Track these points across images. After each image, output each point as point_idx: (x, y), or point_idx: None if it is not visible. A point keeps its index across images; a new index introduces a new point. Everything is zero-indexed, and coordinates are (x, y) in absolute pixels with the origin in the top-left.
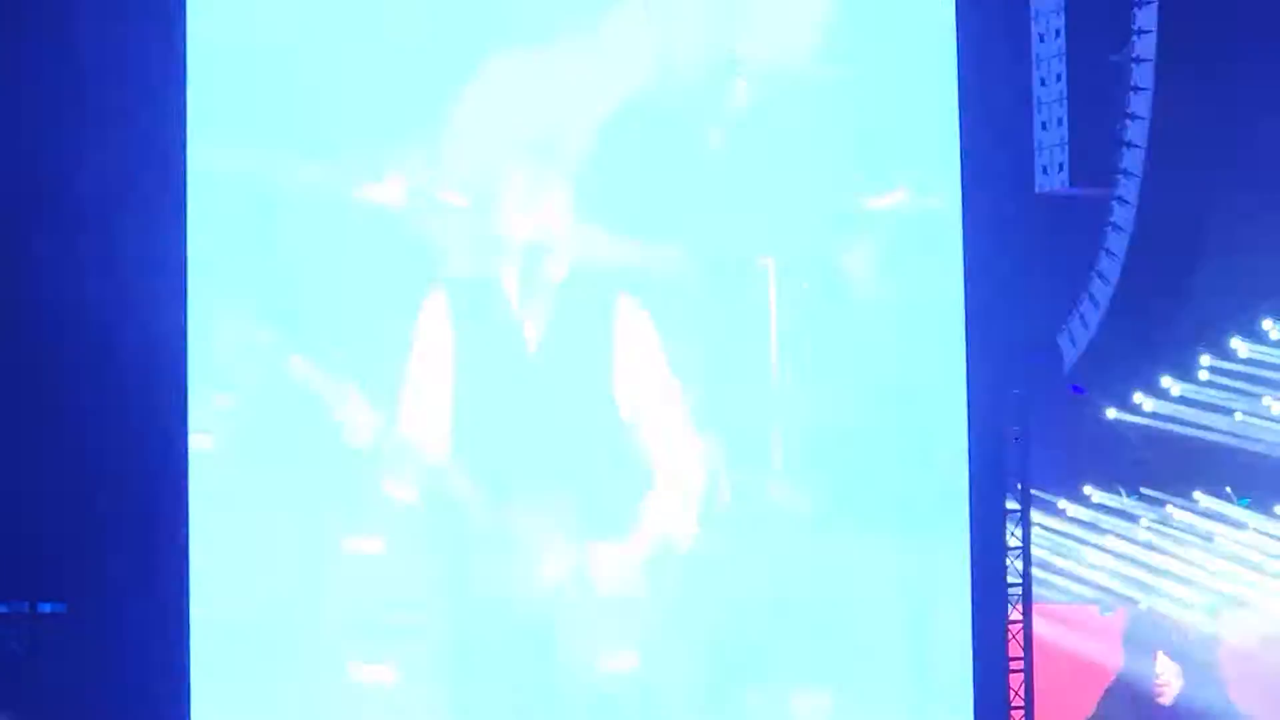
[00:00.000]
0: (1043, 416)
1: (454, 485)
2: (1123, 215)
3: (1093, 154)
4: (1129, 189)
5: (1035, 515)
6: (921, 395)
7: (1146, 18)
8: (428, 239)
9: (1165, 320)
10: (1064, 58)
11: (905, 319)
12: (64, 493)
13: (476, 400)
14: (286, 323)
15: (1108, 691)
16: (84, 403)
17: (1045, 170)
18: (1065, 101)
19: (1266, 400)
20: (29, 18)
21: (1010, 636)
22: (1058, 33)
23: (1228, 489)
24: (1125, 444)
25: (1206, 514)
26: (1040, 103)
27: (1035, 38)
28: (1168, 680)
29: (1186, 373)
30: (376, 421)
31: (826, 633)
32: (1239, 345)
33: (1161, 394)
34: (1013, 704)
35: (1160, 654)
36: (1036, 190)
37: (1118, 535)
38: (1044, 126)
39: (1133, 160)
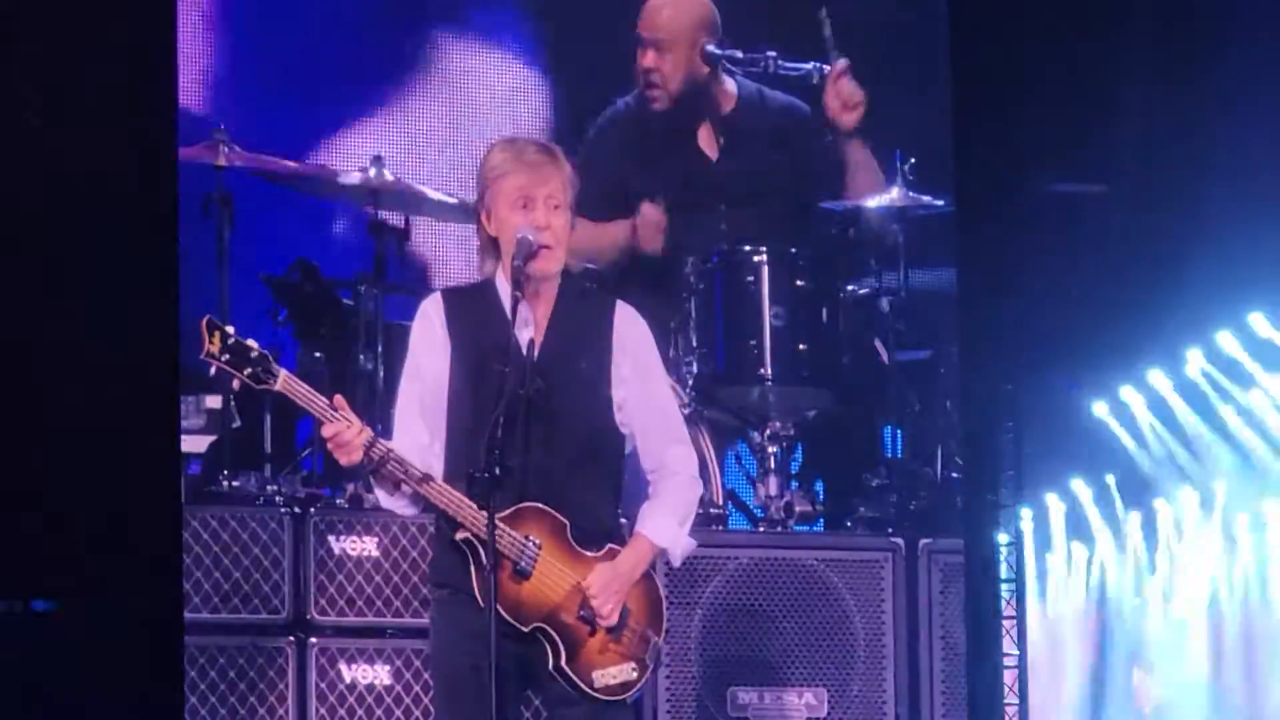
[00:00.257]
0: (1035, 411)
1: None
2: (1117, 208)
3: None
4: (1123, 183)
5: (1027, 510)
6: (913, 386)
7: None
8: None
9: (1154, 315)
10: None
11: (897, 314)
12: (56, 490)
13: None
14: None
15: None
16: (75, 400)
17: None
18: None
19: (1254, 394)
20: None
21: (1004, 633)
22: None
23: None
24: (1115, 438)
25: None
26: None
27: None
28: (1146, 689)
29: (1175, 367)
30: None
31: (818, 629)
32: (1227, 340)
33: (1150, 389)
34: (1006, 700)
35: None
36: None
37: (1106, 530)
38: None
39: (1123, 156)
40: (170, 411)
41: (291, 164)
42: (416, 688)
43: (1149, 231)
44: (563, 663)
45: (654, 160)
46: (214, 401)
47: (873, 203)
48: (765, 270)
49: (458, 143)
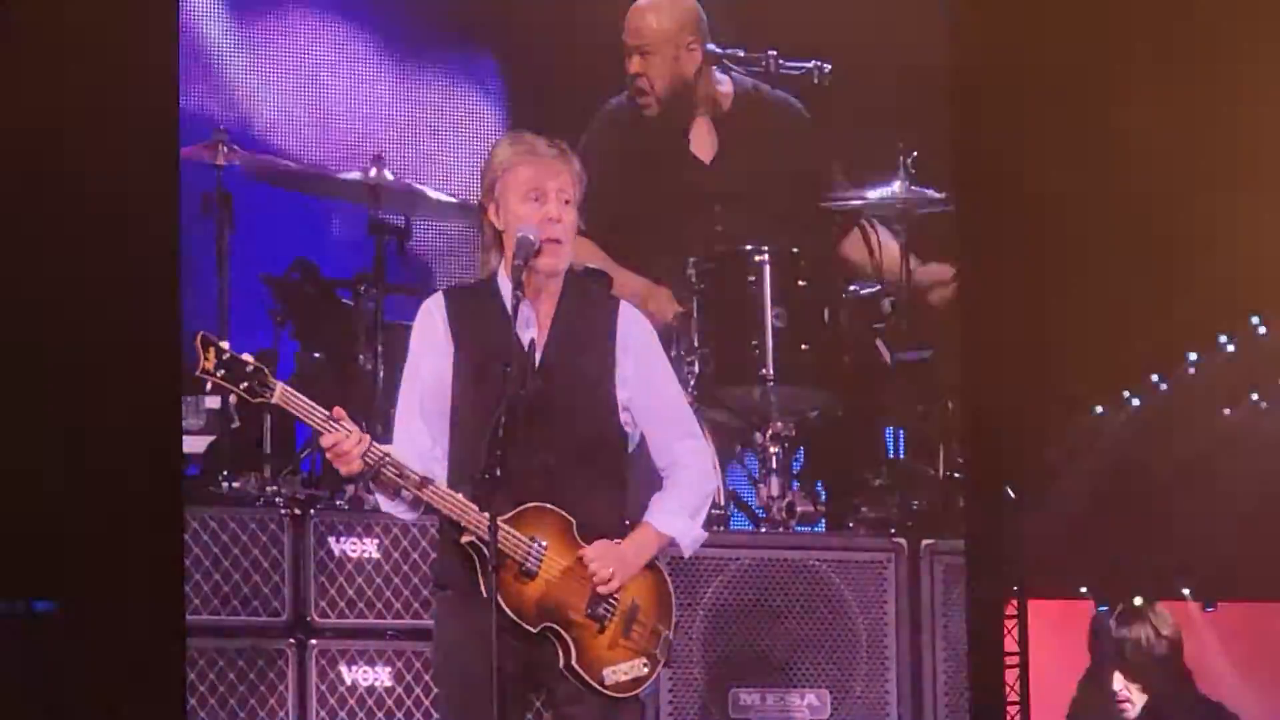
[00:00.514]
0: (1035, 412)
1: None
2: (1117, 209)
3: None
4: (1124, 184)
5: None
6: (915, 390)
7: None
8: (422, 240)
9: (1154, 316)
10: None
11: (899, 314)
12: (57, 490)
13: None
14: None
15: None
16: (77, 400)
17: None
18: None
19: (1255, 397)
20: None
21: (1006, 631)
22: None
23: None
24: (1114, 440)
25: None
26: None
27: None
28: (1127, 696)
29: (1174, 369)
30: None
31: (820, 630)
32: (1227, 341)
33: (1149, 390)
34: (1008, 699)
35: (1117, 672)
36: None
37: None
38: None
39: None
40: (172, 411)
41: (291, 163)
42: (418, 690)
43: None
44: (573, 661)
45: (646, 164)
46: (213, 402)
47: (875, 196)
48: (767, 270)
49: (458, 141)
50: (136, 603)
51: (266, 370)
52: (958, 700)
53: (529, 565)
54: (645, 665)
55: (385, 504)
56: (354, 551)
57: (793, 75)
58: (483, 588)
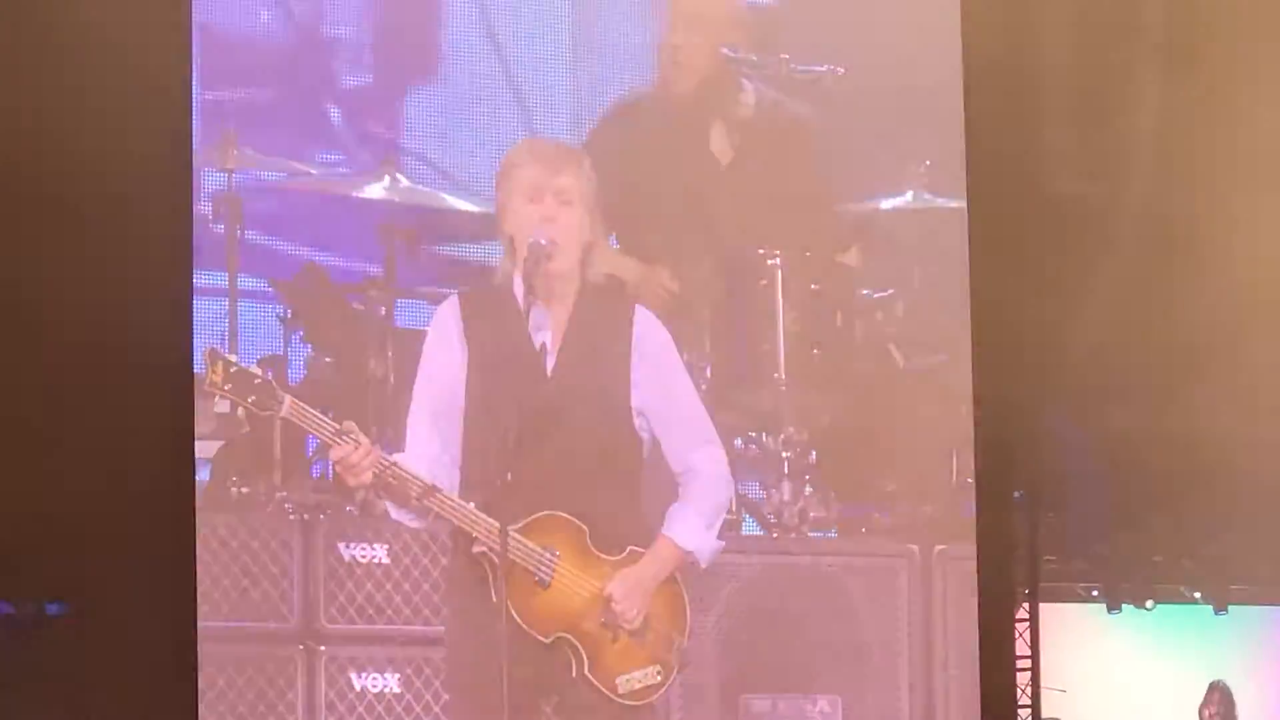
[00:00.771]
0: (1049, 415)
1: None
2: (1130, 212)
3: (1099, 151)
4: (1136, 185)
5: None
6: (927, 395)
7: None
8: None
9: (1167, 320)
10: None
11: (912, 318)
12: (70, 493)
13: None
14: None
15: None
16: (90, 402)
17: (1052, 167)
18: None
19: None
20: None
21: (1017, 635)
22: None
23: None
24: (1132, 442)
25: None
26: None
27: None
28: None
29: (1188, 372)
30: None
31: (832, 636)
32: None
33: (1172, 392)
34: (1020, 703)
35: None
36: (1043, 190)
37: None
38: (1051, 122)
39: (1140, 157)
40: (185, 416)
41: (301, 166)
42: (427, 696)
43: (1164, 232)
44: (585, 670)
45: (665, 153)
46: (223, 407)
47: (887, 198)
48: (779, 274)
49: (472, 145)
50: (147, 607)
51: (274, 384)
52: (970, 706)
53: (542, 575)
54: (658, 673)
55: (394, 511)
56: (364, 557)
57: (806, 80)
58: (493, 597)
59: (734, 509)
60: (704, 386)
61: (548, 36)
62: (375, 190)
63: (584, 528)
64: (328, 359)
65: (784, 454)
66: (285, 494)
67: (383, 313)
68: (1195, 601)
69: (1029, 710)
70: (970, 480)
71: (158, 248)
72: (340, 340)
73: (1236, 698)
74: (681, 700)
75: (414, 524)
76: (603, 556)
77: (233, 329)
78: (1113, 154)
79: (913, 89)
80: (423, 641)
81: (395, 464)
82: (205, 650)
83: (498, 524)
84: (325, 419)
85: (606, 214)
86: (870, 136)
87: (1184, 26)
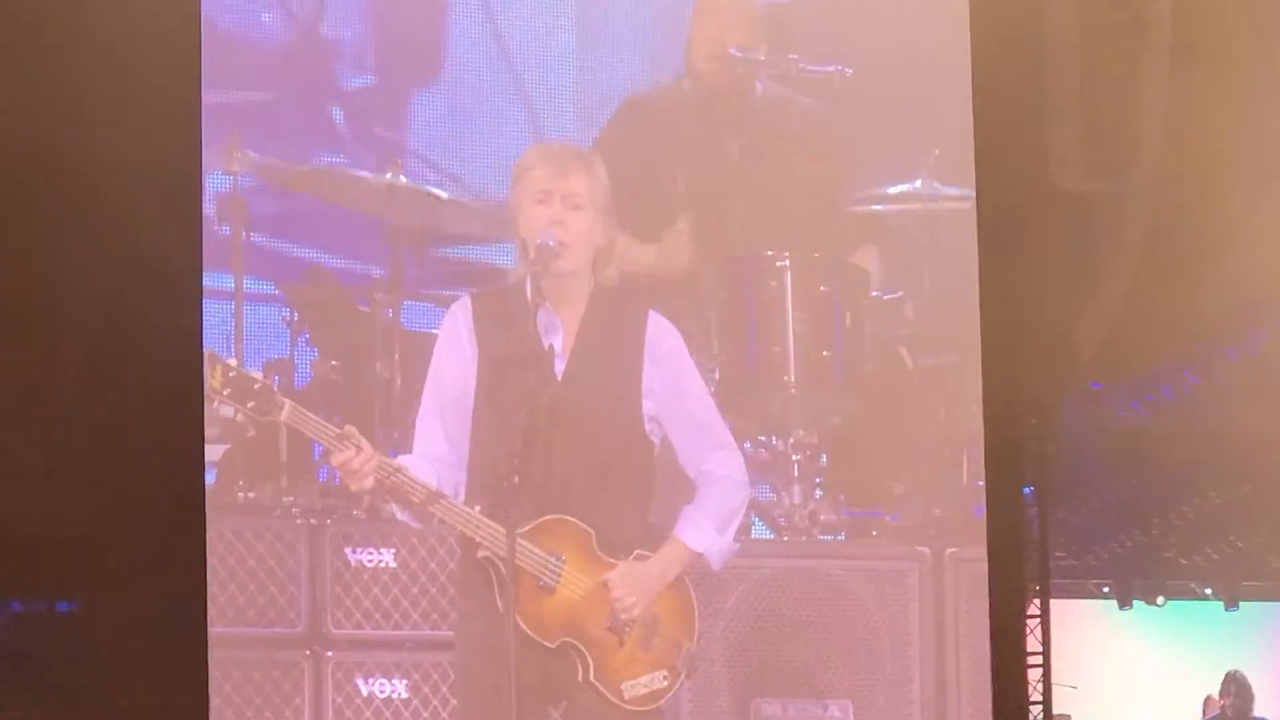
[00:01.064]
0: (1059, 412)
1: (471, 499)
2: (1139, 208)
3: (1108, 148)
4: (1145, 182)
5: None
6: (937, 396)
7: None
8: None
9: (1178, 316)
10: (1079, 50)
11: (921, 319)
12: (80, 492)
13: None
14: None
15: None
16: (100, 400)
17: (1060, 165)
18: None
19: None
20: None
21: (1029, 631)
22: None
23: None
24: (1143, 439)
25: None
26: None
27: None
28: None
29: (1207, 366)
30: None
31: (842, 640)
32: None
33: (1182, 388)
34: (1031, 699)
35: None
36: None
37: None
38: (1059, 121)
39: (1148, 153)
40: (194, 419)
41: (306, 168)
42: (434, 701)
43: (1173, 229)
44: (591, 675)
45: (675, 152)
46: (228, 410)
47: (896, 200)
48: (788, 275)
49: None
50: (157, 608)
51: (274, 389)
52: (981, 709)
53: (546, 580)
54: (665, 678)
55: (399, 514)
56: (370, 561)
57: (814, 79)
58: (498, 602)
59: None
60: (713, 389)
61: (553, 35)
62: (381, 191)
63: (590, 531)
64: (334, 362)
65: (794, 457)
66: (291, 498)
67: (389, 315)
68: (1206, 598)
69: (1040, 707)
70: (980, 483)
71: (167, 250)
72: (346, 343)
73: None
74: (691, 704)
75: (419, 525)
76: (609, 561)
77: (238, 332)
78: (1121, 150)
79: (921, 87)
80: (430, 646)
81: (400, 469)
82: (211, 655)
83: (503, 530)
84: (325, 424)
85: (619, 215)
86: (879, 135)
87: (1192, 19)
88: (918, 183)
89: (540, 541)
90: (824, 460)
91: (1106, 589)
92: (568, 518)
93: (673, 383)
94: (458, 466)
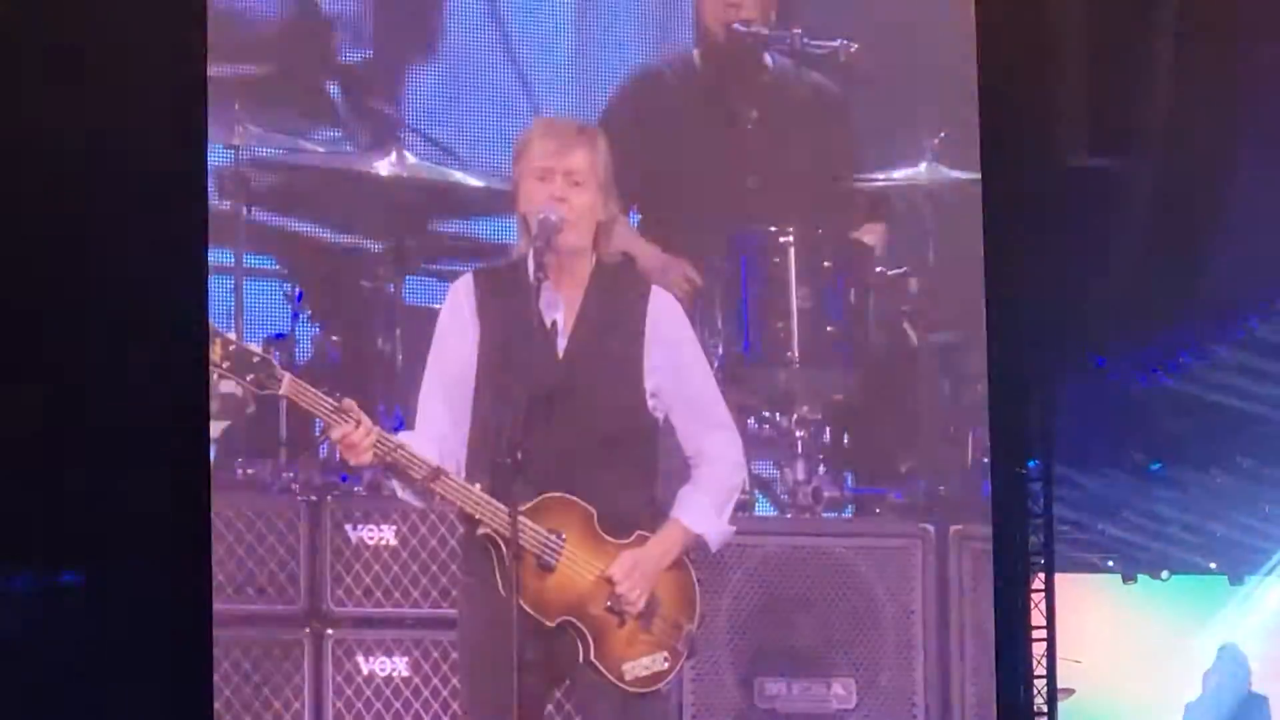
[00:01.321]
0: (1064, 387)
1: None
2: (1148, 185)
3: (1115, 126)
4: (1154, 158)
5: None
6: (942, 368)
7: None
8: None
9: (1191, 291)
10: (1084, 28)
11: (925, 295)
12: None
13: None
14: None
15: None
16: (103, 376)
17: (1068, 142)
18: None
19: None
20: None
21: (1033, 605)
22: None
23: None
24: (1149, 414)
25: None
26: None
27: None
28: None
29: (1206, 344)
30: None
31: (846, 618)
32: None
33: (1183, 365)
34: (1036, 673)
35: None
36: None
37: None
38: (1067, 98)
39: (1156, 129)
40: (198, 395)
41: (308, 144)
42: (435, 680)
43: (1179, 205)
44: (591, 656)
45: (680, 128)
46: (228, 386)
47: (901, 175)
48: (792, 251)
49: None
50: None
51: (274, 361)
52: (986, 688)
53: (546, 558)
54: (666, 659)
55: (400, 491)
56: (371, 539)
57: (819, 54)
58: (499, 580)
59: (747, 489)
60: (716, 365)
61: (551, 7)
62: (382, 167)
63: (592, 510)
64: (335, 337)
65: (797, 433)
66: (292, 474)
67: (391, 290)
68: (1211, 572)
69: (1044, 681)
70: (986, 460)
71: (172, 225)
72: (348, 318)
73: (1252, 665)
74: (695, 682)
75: (419, 503)
76: (610, 540)
77: (239, 307)
78: (1128, 125)
79: (926, 62)
80: (431, 624)
81: (401, 445)
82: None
83: (505, 508)
84: (324, 397)
85: (622, 191)
86: (884, 110)
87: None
88: (922, 166)
89: (541, 519)
90: (827, 437)
91: (1111, 563)
92: (569, 496)
93: (674, 360)
94: (460, 444)
